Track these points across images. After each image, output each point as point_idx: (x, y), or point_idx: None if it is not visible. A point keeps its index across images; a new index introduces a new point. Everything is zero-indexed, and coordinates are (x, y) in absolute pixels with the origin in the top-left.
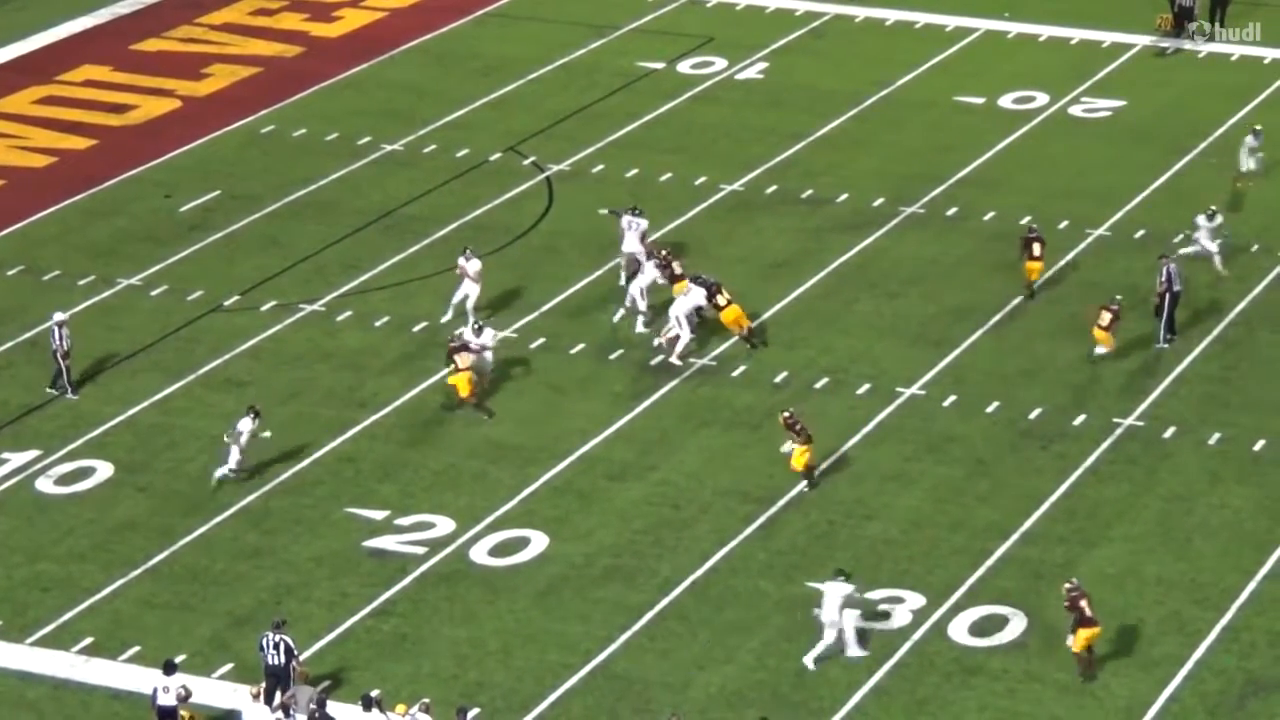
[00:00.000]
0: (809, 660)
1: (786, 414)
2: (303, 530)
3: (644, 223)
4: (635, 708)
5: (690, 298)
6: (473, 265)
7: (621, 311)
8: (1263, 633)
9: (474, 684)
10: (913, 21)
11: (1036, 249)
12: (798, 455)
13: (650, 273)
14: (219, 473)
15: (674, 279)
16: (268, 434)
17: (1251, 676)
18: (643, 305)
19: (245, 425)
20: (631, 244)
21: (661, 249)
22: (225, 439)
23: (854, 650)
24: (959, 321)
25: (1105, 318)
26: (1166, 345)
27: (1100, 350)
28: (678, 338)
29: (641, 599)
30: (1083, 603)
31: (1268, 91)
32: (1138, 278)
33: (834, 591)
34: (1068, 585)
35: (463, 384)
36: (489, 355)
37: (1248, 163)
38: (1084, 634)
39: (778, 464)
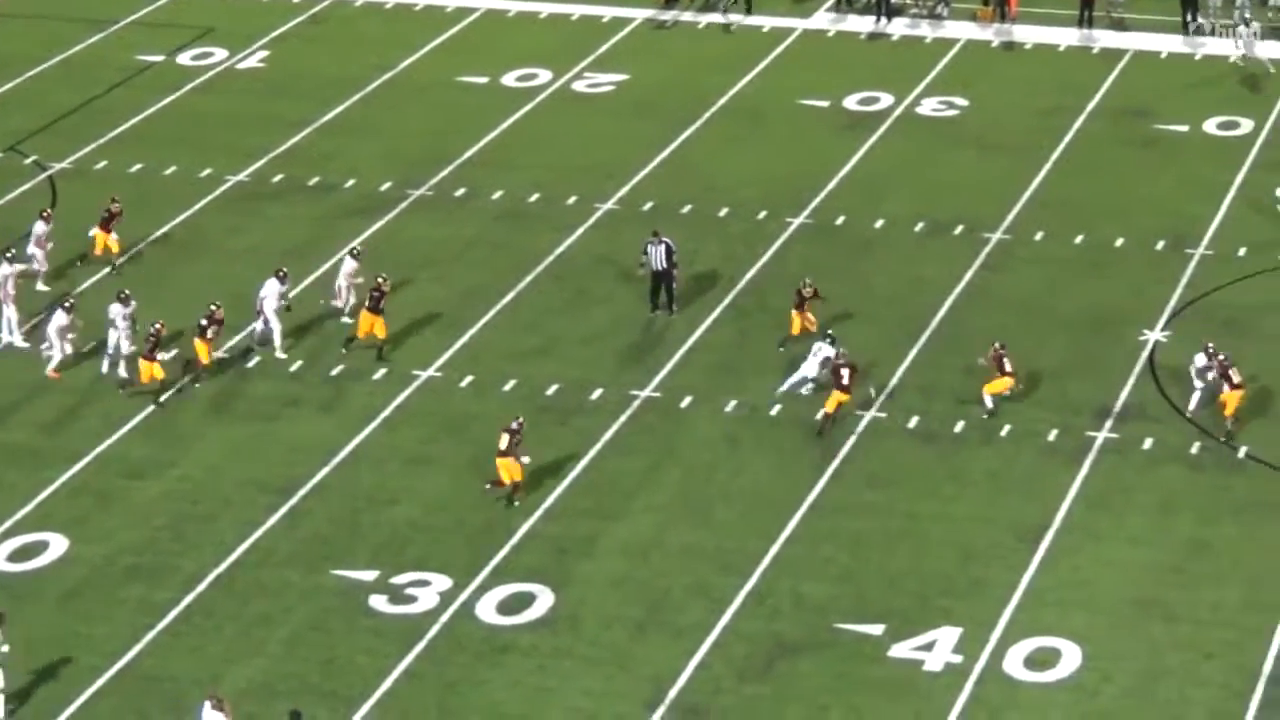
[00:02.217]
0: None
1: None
2: None
3: None
4: (165, 706)
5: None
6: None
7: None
8: (787, 595)
9: None
10: (413, 4)
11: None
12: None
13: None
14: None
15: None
16: None
17: (778, 639)
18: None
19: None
20: None
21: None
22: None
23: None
24: (471, 302)
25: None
26: (668, 314)
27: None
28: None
29: (166, 596)
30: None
31: (768, 59)
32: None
33: (821, 352)
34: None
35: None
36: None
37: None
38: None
39: (298, 453)
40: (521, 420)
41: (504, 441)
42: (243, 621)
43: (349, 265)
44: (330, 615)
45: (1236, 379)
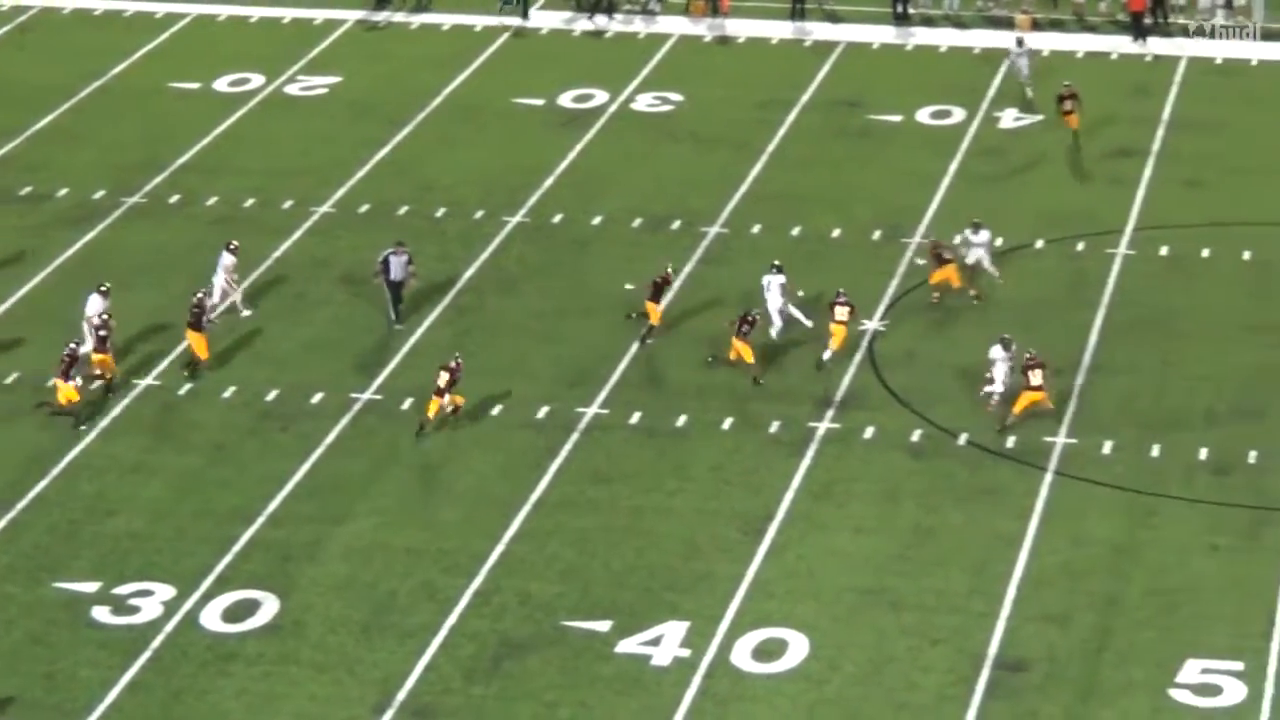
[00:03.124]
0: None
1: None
2: None
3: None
4: None
5: None
6: None
7: None
8: (513, 594)
9: None
10: (121, 10)
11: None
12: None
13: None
14: None
15: None
16: None
17: (505, 638)
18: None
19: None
20: None
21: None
22: None
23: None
24: (185, 308)
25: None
26: (400, 327)
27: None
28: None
29: None
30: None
31: (482, 58)
32: (363, 254)
33: (774, 282)
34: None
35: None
36: None
37: (1024, 72)
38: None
39: (25, 467)
40: (460, 359)
41: (442, 379)
42: None
43: (227, 260)
44: (52, 628)
45: (1036, 380)
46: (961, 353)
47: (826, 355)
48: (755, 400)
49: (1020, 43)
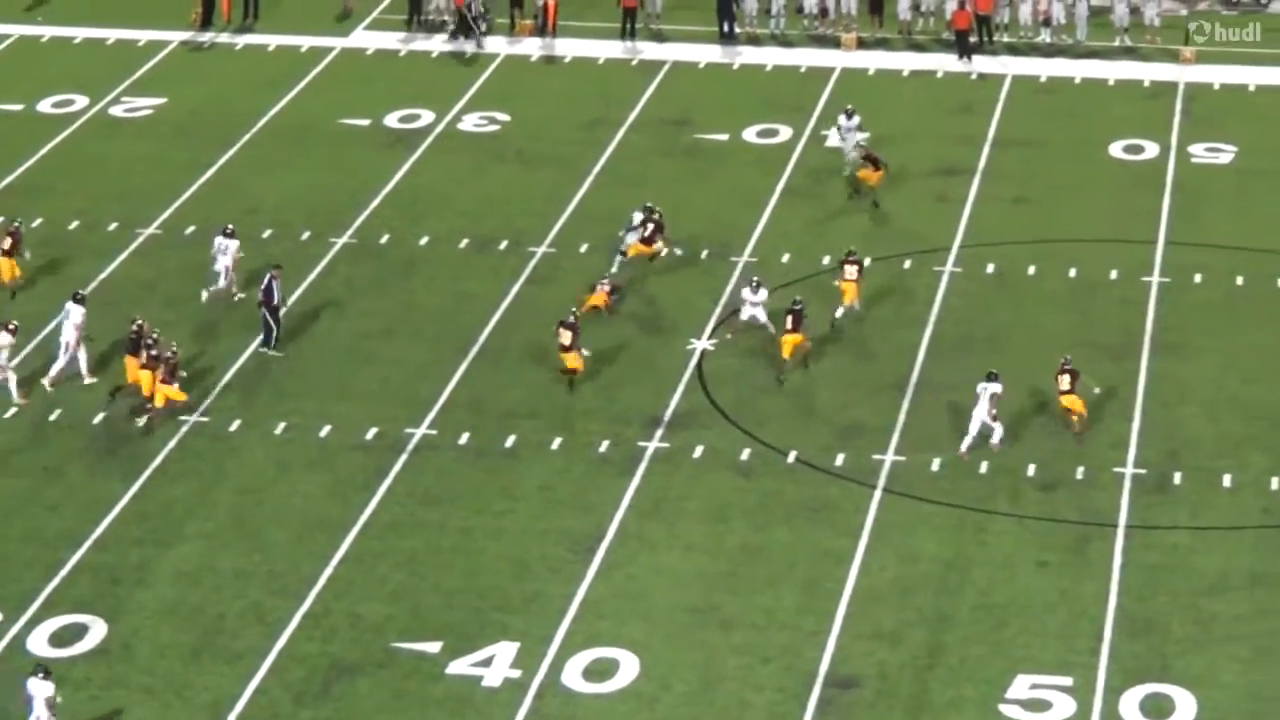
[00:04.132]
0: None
1: None
2: None
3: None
4: None
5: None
6: None
7: None
8: (343, 616)
9: None
10: None
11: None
12: None
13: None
14: None
15: None
16: None
17: (335, 660)
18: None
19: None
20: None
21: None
22: None
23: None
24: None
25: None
26: (275, 352)
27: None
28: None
29: None
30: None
31: (307, 79)
32: (190, 273)
33: (985, 391)
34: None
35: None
36: None
37: (850, 151)
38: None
39: None
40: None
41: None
42: None
43: (231, 245)
44: None
45: (1065, 385)
46: (791, 370)
47: (839, 313)
48: (584, 419)
49: (850, 114)
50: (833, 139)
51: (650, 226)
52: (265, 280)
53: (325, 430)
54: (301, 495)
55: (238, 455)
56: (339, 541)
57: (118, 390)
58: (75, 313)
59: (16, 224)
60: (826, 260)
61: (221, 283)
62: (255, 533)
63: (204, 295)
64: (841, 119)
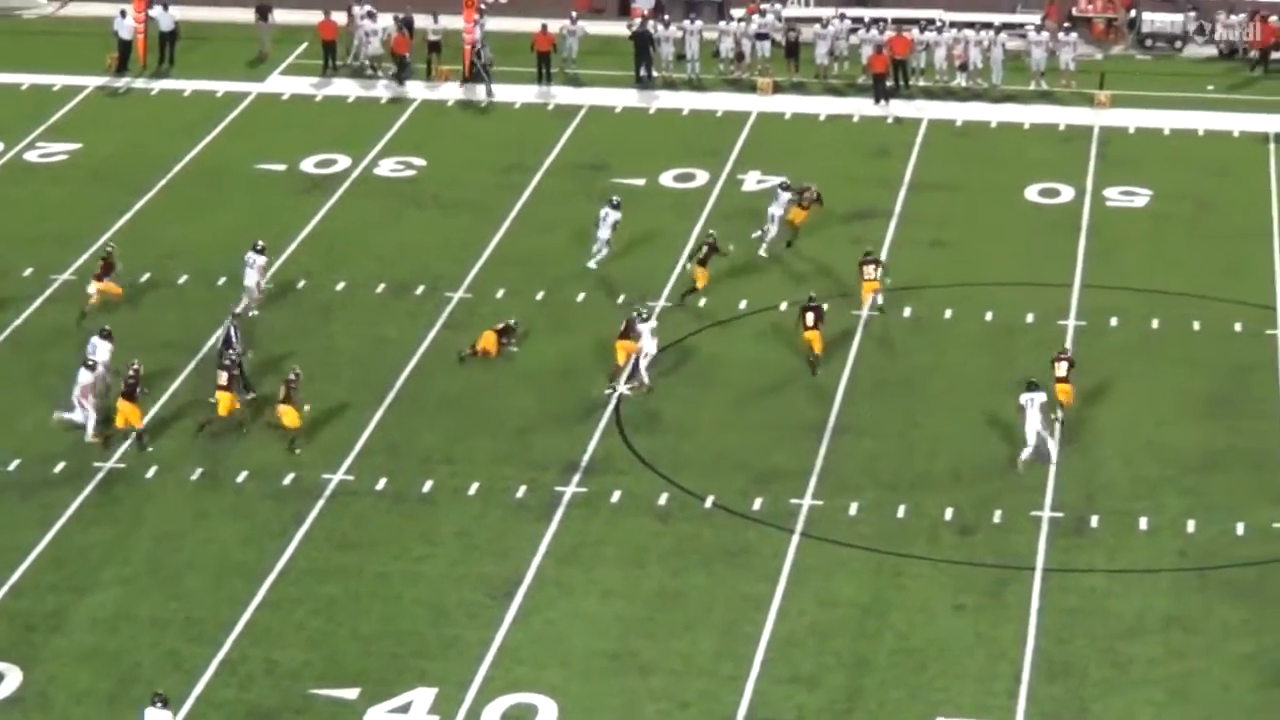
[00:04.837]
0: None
1: None
2: None
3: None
4: None
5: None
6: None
7: None
8: (260, 662)
9: None
10: None
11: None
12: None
13: None
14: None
15: None
16: None
17: (252, 708)
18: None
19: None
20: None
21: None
22: None
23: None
24: None
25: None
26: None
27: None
28: None
29: None
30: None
31: (223, 124)
32: (104, 319)
33: (1033, 403)
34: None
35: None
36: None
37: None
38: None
39: None
40: (298, 372)
41: (282, 391)
42: None
43: (259, 260)
44: None
45: (1061, 372)
46: (707, 414)
47: (864, 312)
48: (501, 465)
49: (786, 186)
50: (773, 208)
51: (705, 249)
52: (226, 329)
53: (242, 475)
54: (218, 541)
55: (155, 501)
56: (256, 588)
57: (206, 423)
58: (103, 349)
59: (110, 249)
60: (744, 305)
61: (254, 295)
62: (172, 579)
63: (251, 312)
64: (779, 188)
